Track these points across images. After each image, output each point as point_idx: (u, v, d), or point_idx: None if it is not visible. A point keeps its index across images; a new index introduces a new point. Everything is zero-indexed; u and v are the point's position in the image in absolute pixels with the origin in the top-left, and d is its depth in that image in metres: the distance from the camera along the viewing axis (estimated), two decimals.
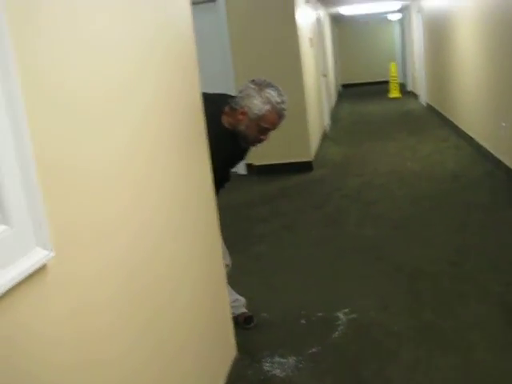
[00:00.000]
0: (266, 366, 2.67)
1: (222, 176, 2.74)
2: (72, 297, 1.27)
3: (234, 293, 3.10)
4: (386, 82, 15.42)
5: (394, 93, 14.62)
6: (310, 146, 6.66)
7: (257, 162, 6.80)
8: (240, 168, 7.01)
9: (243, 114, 2.56)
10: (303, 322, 3.05)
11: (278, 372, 2.62)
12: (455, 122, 8.24)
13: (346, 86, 18.54)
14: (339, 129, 9.98)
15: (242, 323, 3.05)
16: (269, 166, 6.71)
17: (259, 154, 6.71)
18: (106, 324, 1.42)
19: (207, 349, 2.28)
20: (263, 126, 2.58)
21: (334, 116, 11.41)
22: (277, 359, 2.72)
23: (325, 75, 9.14)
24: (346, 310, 3.10)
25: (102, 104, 1.47)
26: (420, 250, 3.85)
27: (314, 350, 2.76)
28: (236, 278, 3.71)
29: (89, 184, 1.38)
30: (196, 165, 2.29)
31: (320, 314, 3.11)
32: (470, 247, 3.79)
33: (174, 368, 1.88)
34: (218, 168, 2.49)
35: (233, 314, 3.05)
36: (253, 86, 2.56)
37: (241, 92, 2.59)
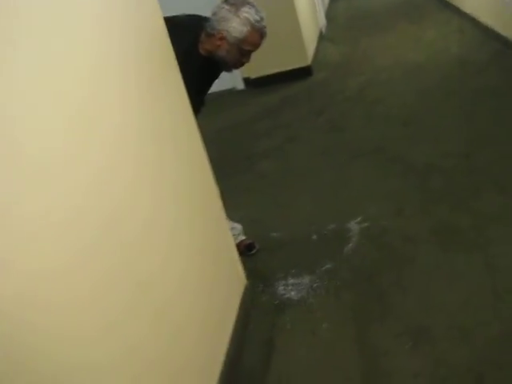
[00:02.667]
0: (280, 290, 2.57)
1: (198, 102, 2.54)
2: None
3: (229, 221, 2.96)
4: None
5: None
6: (307, 50, 6.32)
7: (253, 75, 6.51)
8: (237, 83, 6.74)
9: (221, 39, 2.33)
10: (314, 237, 2.93)
11: (292, 294, 2.51)
12: (456, 4, 7.76)
13: None
14: (336, 27, 9.49)
15: (243, 251, 2.94)
16: (266, 77, 6.40)
17: (254, 66, 6.40)
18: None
19: (213, 283, 2.17)
20: (245, 49, 2.37)
21: (330, 14, 10.85)
22: (291, 280, 2.62)
23: None
24: (359, 219, 2.96)
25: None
26: (431, 146, 3.64)
27: (328, 266, 2.64)
28: (241, 200, 3.60)
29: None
30: (174, 97, 2.08)
31: (331, 227, 2.97)
32: (482, 138, 3.57)
33: (178, 309, 1.77)
34: (194, 97, 2.28)
35: None
36: (227, 7, 2.32)
37: (215, 14, 2.34)
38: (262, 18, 2.34)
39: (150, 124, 1.78)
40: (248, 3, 2.33)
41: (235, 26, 2.30)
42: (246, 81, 6.63)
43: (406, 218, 2.86)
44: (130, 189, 1.57)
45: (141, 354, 1.47)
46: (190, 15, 2.52)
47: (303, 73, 6.27)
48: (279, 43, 6.12)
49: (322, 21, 8.90)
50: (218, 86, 7.00)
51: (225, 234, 2.41)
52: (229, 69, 2.50)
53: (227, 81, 6.65)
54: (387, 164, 3.53)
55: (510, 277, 2.25)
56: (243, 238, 3.00)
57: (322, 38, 8.22)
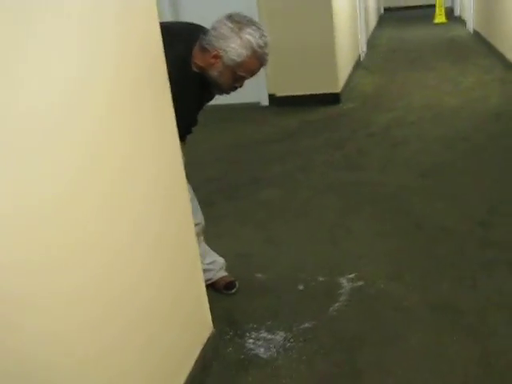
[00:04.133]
0: (249, 343, 2.30)
1: (188, 122, 2.30)
2: None
3: (212, 253, 2.71)
4: (433, 6, 14.25)
5: (440, 18, 13.50)
6: (338, 77, 6.05)
7: (279, 93, 6.27)
8: (263, 98, 6.51)
9: (216, 57, 2.07)
10: (301, 287, 2.66)
11: (261, 351, 2.24)
12: (502, 51, 7.44)
13: (388, 10, 17.35)
14: (375, 56, 9.21)
15: (221, 289, 2.68)
16: (292, 97, 6.16)
17: (282, 84, 6.20)
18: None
19: (175, 327, 1.92)
20: (240, 74, 2.10)
21: (372, 42, 10.58)
22: (263, 334, 2.35)
23: None
24: (352, 276, 2.68)
25: None
26: (446, 205, 3.35)
27: (307, 324, 2.37)
28: (232, 228, 3.35)
29: None
30: (158, 113, 1.84)
31: (321, 279, 2.70)
32: (504, 205, 3.26)
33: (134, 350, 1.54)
34: (183, 116, 2.02)
35: (210, 279, 2.69)
36: (230, 25, 2.04)
37: (214, 29, 2.07)
38: (265, 44, 2.07)
39: (128, 131, 1.57)
40: (254, 24, 2.07)
41: (234, 47, 2.03)
42: (271, 97, 6.39)
43: (403, 285, 2.58)
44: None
45: None
46: (190, 24, 2.26)
47: (331, 99, 6.01)
48: (311, 64, 5.89)
49: (363, 47, 8.64)
50: (242, 97, 6.84)
51: (194, 272, 2.14)
52: (219, 91, 2.24)
53: (253, 94, 6.44)
54: (396, 218, 3.25)
55: (507, 380, 1.96)
56: (224, 274, 2.74)
57: (358, 64, 7.95)
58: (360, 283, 2.62)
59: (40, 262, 1.23)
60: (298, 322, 2.39)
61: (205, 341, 2.15)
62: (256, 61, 2.09)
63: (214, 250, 2.76)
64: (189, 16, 6.30)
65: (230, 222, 3.48)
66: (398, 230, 3.09)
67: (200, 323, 2.16)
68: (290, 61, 5.93)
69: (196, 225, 2.59)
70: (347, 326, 2.33)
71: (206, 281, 2.69)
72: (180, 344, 1.97)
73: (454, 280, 2.56)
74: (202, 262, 2.67)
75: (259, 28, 2.07)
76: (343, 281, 2.66)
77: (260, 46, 2.05)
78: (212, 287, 2.71)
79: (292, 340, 2.29)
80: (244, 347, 2.28)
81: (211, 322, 2.24)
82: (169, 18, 6.36)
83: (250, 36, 2.03)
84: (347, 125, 5.31)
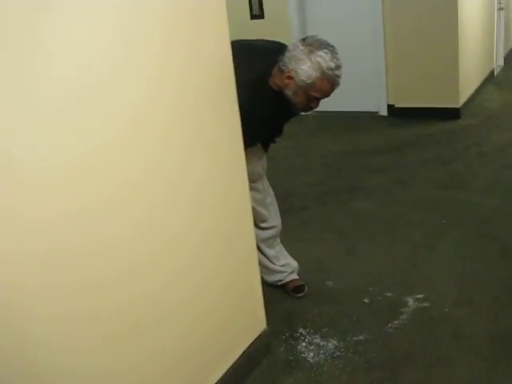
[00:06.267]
0: (302, 346, 2.40)
1: (270, 135, 2.46)
2: None
3: (286, 256, 2.82)
4: None
5: None
6: (460, 92, 5.83)
7: (398, 104, 6.19)
8: (381, 108, 6.46)
9: (290, 78, 2.19)
10: (366, 300, 2.69)
11: (310, 356, 2.33)
12: None
13: None
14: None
15: (290, 291, 2.78)
16: (411, 109, 6.04)
17: (402, 95, 6.12)
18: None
19: (223, 316, 2.09)
20: (312, 95, 2.21)
21: (510, 57, 9.97)
22: (316, 340, 2.43)
23: (502, 8, 7.89)
24: (420, 296, 2.66)
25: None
26: None
27: (360, 337, 2.41)
28: (319, 235, 3.44)
29: None
30: (225, 133, 2.00)
31: (388, 295, 2.71)
32: None
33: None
34: (252, 128, 2.14)
35: (280, 280, 2.80)
36: (302, 48, 2.16)
37: (289, 51, 2.20)
38: (337, 67, 2.15)
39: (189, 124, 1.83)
40: (327, 47, 2.16)
41: (305, 68, 2.14)
42: (390, 108, 6.32)
43: (469, 312, 2.51)
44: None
45: None
46: (276, 43, 2.38)
47: (450, 114, 5.81)
48: (432, 77, 5.76)
49: (499, 61, 8.19)
50: (362, 106, 6.83)
51: (252, 272, 2.27)
52: (296, 110, 2.35)
53: (372, 104, 6.44)
54: (483, 242, 3.13)
55: None
56: (295, 277, 2.85)
57: (489, 79, 7.57)
58: (425, 304, 2.60)
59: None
60: (353, 334, 2.43)
61: (255, 336, 2.27)
62: (326, 82, 2.17)
63: (294, 253, 2.87)
64: (315, 20, 6.47)
65: (316, 228, 3.57)
66: (481, 256, 2.99)
67: (252, 319, 2.29)
68: (411, 72, 5.83)
69: (272, 227, 2.74)
70: (399, 345, 2.34)
71: (276, 281, 2.83)
72: (225, 335, 2.11)
73: None
74: (275, 264, 2.81)
75: (331, 51, 2.15)
76: (409, 299, 2.65)
77: (330, 68, 2.14)
78: (282, 288, 2.83)
79: (342, 350, 2.34)
80: (295, 349, 2.38)
81: (265, 320, 2.35)
82: (296, 23, 6.53)
83: (320, 58, 2.13)
84: (461, 141, 5.12)
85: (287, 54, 2.19)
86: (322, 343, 2.40)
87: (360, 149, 5.23)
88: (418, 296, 2.67)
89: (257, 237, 2.71)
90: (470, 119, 5.83)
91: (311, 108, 2.29)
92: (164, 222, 1.73)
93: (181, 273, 1.83)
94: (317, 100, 2.25)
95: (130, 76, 1.54)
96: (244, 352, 2.19)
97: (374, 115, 6.43)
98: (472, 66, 6.46)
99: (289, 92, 2.23)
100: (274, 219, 2.74)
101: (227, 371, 2.09)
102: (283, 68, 2.20)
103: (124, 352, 1.62)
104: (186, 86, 1.76)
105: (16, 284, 1.30)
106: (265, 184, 2.64)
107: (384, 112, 6.44)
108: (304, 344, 2.41)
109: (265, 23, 6.68)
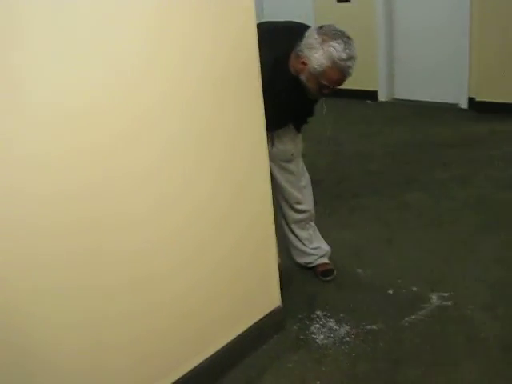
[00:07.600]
0: (315, 327, 2.47)
1: (298, 115, 2.49)
2: None
3: (319, 239, 2.88)
4: None
5: None
6: None
7: (479, 98, 5.96)
8: (462, 100, 6.25)
9: (304, 64, 2.25)
10: (390, 291, 2.71)
11: (320, 338, 2.40)
12: None
13: None
14: None
15: (319, 274, 2.85)
16: (492, 103, 5.80)
17: (483, 89, 5.89)
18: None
19: (241, 293, 2.24)
20: (323, 83, 2.25)
21: None
22: (330, 324, 2.49)
23: None
24: (445, 295, 2.64)
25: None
26: None
27: (374, 326, 2.45)
28: (363, 223, 3.46)
29: None
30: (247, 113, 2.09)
31: (414, 289, 2.71)
32: None
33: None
34: (276, 107, 2.21)
35: (310, 262, 2.87)
36: (316, 37, 2.21)
37: (306, 38, 2.25)
38: (349, 57, 2.18)
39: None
40: (341, 37, 2.19)
41: (317, 57, 2.19)
42: (471, 101, 6.10)
43: (490, 317, 2.46)
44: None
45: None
46: (300, 25, 2.40)
47: None
48: None
49: None
50: (442, 97, 6.57)
51: (269, 254, 2.36)
52: (312, 96, 2.39)
53: (453, 96, 6.24)
54: None
55: None
56: (325, 261, 2.91)
57: None
58: (448, 303, 2.58)
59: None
60: (367, 322, 2.47)
61: (266, 312, 2.37)
62: (336, 71, 2.21)
63: (333, 238, 2.95)
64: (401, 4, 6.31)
65: (362, 216, 3.59)
66: None
67: (264, 296, 2.38)
68: (493, 65, 5.60)
69: (305, 211, 2.81)
70: (409, 339, 2.35)
71: (307, 264, 2.91)
72: (235, 307, 2.23)
73: None
74: (307, 246, 2.88)
75: (345, 42, 2.18)
76: (433, 296, 2.64)
77: (341, 59, 2.17)
78: (311, 270, 2.91)
79: (352, 336, 2.39)
80: (308, 329, 2.46)
81: (279, 299, 2.44)
82: (382, 8, 6.41)
83: (332, 48, 2.16)
84: None
85: (304, 41, 2.25)
86: (335, 327, 2.46)
87: (429, 140, 5.12)
88: (443, 294, 2.65)
89: (289, 217, 2.80)
90: None
91: (324, 94, 2.34)
92: (185, 200, 1.91)
93: (196, 252, 1.99)
94: (327, 88, 2.28)
95: (156, 61, 1.68)
96: (253, 325, 2.30)
97: (453, 107, 6.24)
98: None
99: (303, 77, 2.29)
100: (308, 203, 2.80)
101: (235, 339, 2.22)
102: (299, 53, 2.26)
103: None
104: (210, 71, 1.87)
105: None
106: (299, 166, 2.71)
107: (464, 105, 6.23)
108: (317, 326, 2.48)
109: (351, 7, 6.61)
